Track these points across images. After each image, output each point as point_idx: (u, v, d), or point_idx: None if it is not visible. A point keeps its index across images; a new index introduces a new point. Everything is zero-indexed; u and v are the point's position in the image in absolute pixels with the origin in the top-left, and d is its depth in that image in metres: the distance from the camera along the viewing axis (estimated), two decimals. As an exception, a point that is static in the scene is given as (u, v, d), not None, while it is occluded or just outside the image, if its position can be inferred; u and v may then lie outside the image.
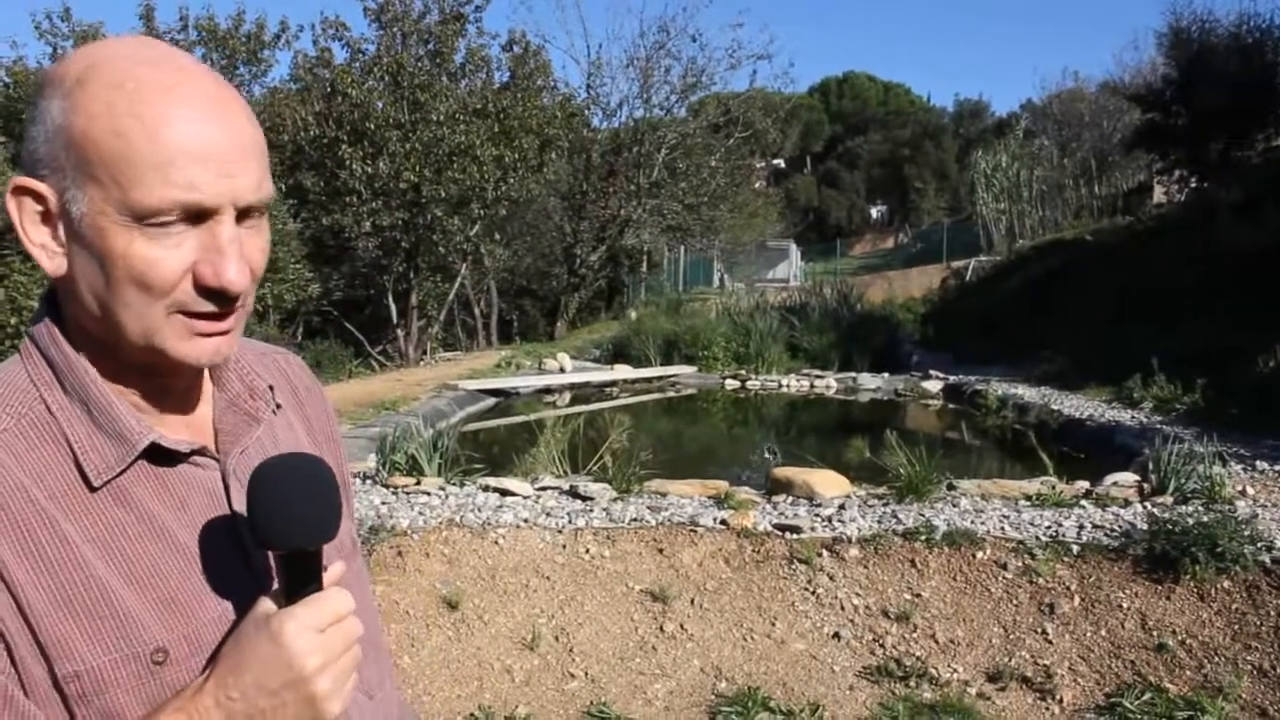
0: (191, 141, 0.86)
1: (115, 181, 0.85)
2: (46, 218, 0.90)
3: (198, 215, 0.87)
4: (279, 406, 1.10)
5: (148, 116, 0.85)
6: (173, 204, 0.85)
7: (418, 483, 6.22)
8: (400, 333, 20.70)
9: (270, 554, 0.92)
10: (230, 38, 27.67)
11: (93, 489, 0.90)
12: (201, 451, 0.98)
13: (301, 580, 0.90)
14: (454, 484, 6.24)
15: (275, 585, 0.92)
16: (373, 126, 18.48)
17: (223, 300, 0.90)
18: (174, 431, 0.96)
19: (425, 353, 20.20)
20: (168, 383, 0.97)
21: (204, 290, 0.89)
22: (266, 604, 0.89)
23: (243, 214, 0.90)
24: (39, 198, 0.89)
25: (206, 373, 1.03)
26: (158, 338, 0.89)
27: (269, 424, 1.06)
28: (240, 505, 0.95)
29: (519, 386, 13.66)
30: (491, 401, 12.68)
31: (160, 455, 0.94)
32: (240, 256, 0.89)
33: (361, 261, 20.66)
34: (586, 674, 4.34)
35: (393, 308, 20.75)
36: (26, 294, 11.80)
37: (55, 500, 0.88)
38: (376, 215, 18.67)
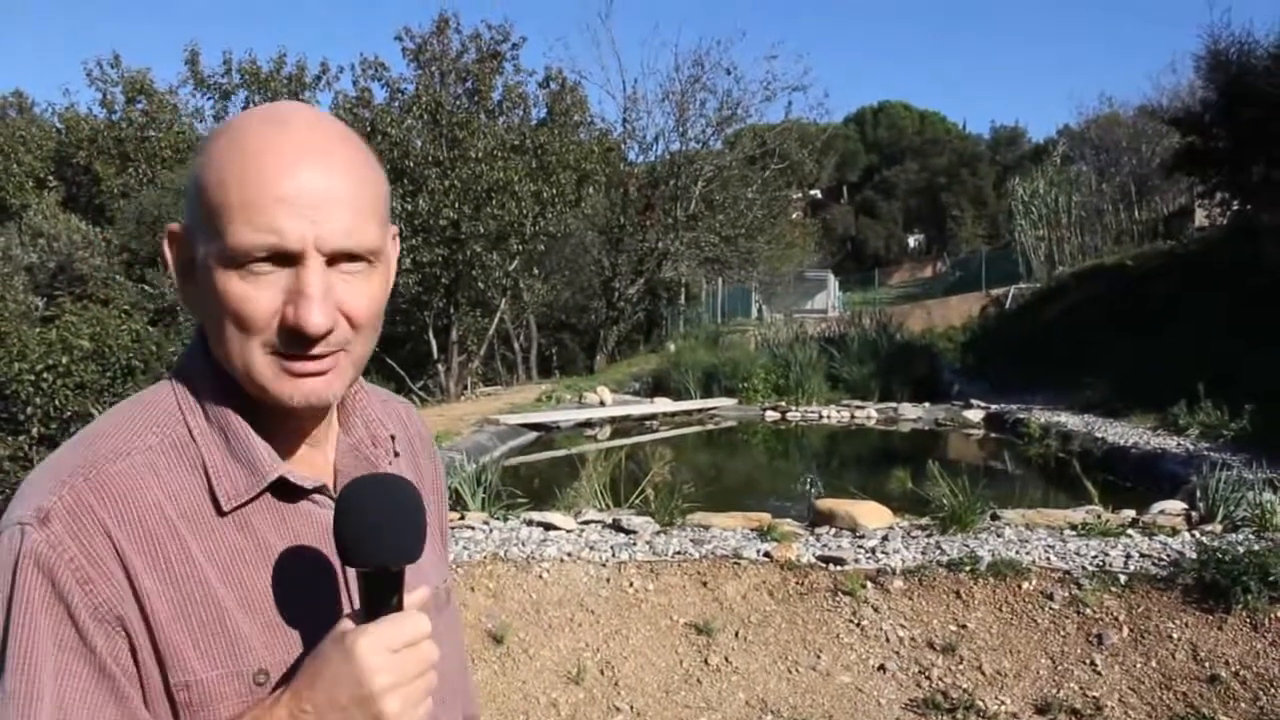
0: (276, 188, 0.91)
1: (216, 227, 0.92)
2: (189, 262, 0.98)
3: (285, 259, 0.92)
4: (397, 455, 1.14)
5: (244, 166, 0.92)
6: (256, 246, 0.91)
7: (462, 517, 6.27)
8: (441, 368, 20.86)
9: (354, 573, 0.95)
10: (272, 80, 28.20)
11: (221, 513, 0.96)
12: (321, 490, 1.02)
13: (381, 600, 0.92)
14: (497, 518, 6.28)
15: (357, 605, 0.95)
16: (412, 164, 18.72)
17: (303, 341, 0.93)
18: (298, 469, 1.01)
19: (466, 387, 20.34)
20: (292, 423, 1.02)
21: (287, 331, 0.93)
22: (346, 622, 0.92)
23: (339, 259, 0.94)
24: (182, 243, 0.98)
25: (335, 418, 1.09)
26: (256, 375, 0.95)
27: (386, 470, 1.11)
28: None
29: (559, 420, 13.71)
30: (533, 435, 12.73)
31: (284, 489, 1.00)
32: (324, 299, 0.93)
33: (402, 298, 20.88)
34: (632, 708, 4.35)
35: (433, 343, 20.93)
36: (76, 333, 12.02)
37: (186, 520, 0.94)
38: (416, 252, 18.87)
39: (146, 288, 18.42)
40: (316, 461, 1.06)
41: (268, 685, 0.94)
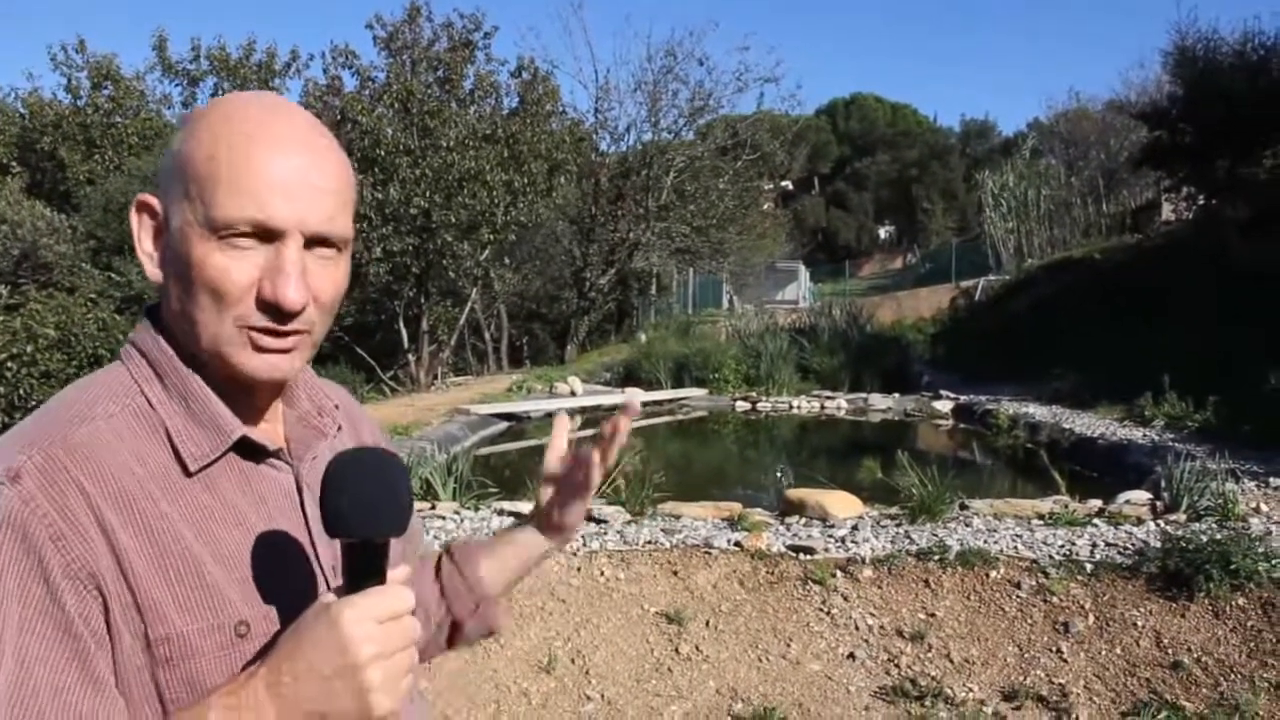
0: (269, 167, 0.95)
1: (201, 198, 0.95)
2: (158, 231, 1.00)
3: (268, 235, 0.96)
4: (340, 428, 1.17)
5: (238, 144, 0.95)
6: (243, 219, 0.94)
7: (433, 507, 6.26)
8: (411, 357, 20.76)
9: (338, 545, 0.95)
10: (241, 67, 27.96)
11: (189, 474, 0.98)
12: (278, 455, 1.05)
13: (366, 573, 0.91)
14: (468, 508, 6.27)
15: (340, 580, 0.95)
16: (383, 153, 18.58)
17: (279, 316, 0.97)
18: (253, 435, 1.04)
19: (436, 377, 20.25)
20: (250, 396, 1.04)
21: (263, 305, 0.96)
22: (328, 594, 0.92)
23: (315, 243, 0.98)
24: (154, 213, 1.00)
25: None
26: (224, 346, 0.98)
27: (331, 442, 1.14)
28: (310, 508, 1.04)
29: (530, 410, 13.69)
30: (503, 425, 12.72)
31: (246, 451, 1.02)
32: (300, 278, 0.97)
33: (372, 287, 20.78)
34: (603, 696, 4.35)
35: (404, 332, 20.84)
36: (42, 322, 11.89)
37: (155, 480, 0.95)
38: (387, 241, 18.75)
39: (113, 275, 18.23)
40: (270, 432, 1.08)
41: (249, 636, 0.96)
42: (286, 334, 0.98)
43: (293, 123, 0.99)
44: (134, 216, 1.02)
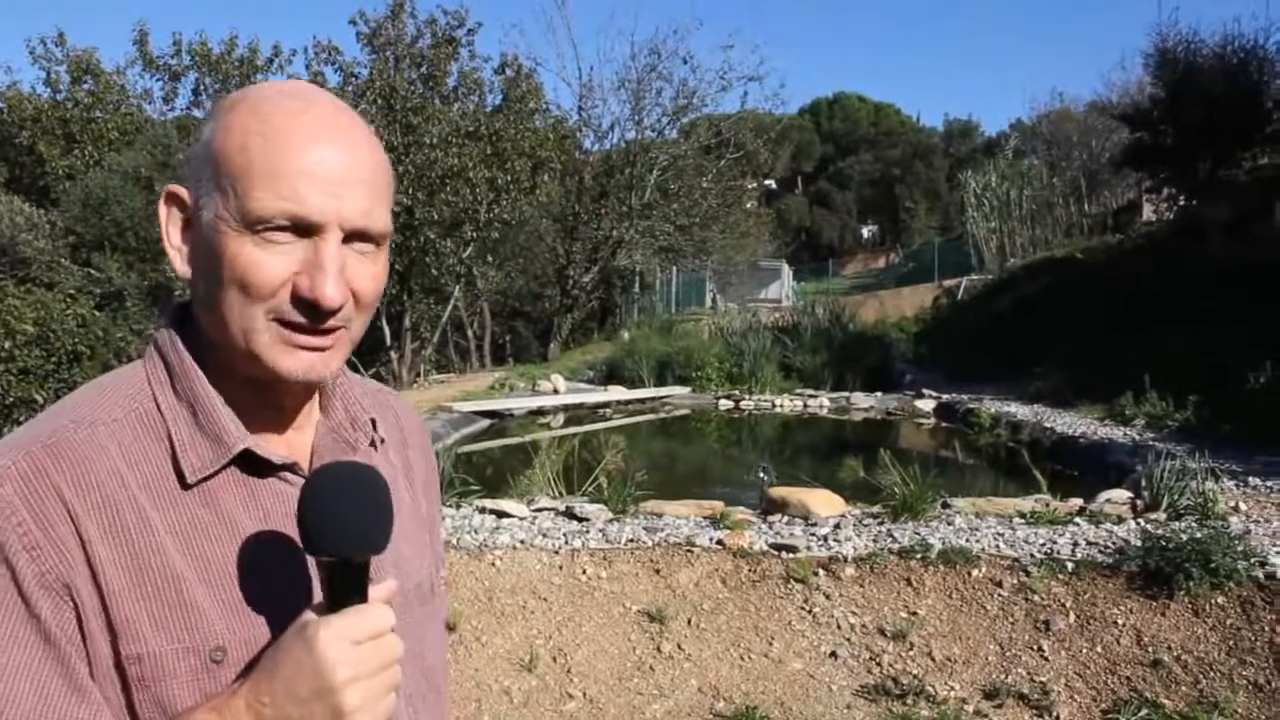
0: (304, 160, 0.92)
1: (234, 191, 0.92)
2: (187, 224, 0.97)
3: (305, 229, 0.93)
4: (382, 441, 1.13)
5: (271, 135, 0.92)
6: (279, 213, 0.91)
7: (414, 505, 6.22)
8: (394, 355, 20.70)
9: (316, 563, 0.92)
10: (223, 62, 27.72)
11: (186, 486, 0.94)
12: (293, 468, 1.01)
13: (345, 592, 0.88)
14: (450, 506, 6.24)
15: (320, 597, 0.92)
16: (366, 150, 18.49)
17: (315, 314, 0.93)
18: (273, 447, 1.00)
19: (419, 375, 20.20)
20: (278, 400, 1.01)
21: (299, 302, 0.93)
22: (308, 613, 0.89)
23: (354, 238, 0.95)
24: (183, 205, 0.97)
25: (316, 401, 1.07)
26: (255, 343, 0.94)
27: (367, 456, 1.08)
28: None
29: (513, 408, 13.66)
30: (486, 423, 12.69)
31: (253, 464, 0.98)
32: (339, 274, 0.93)
33: (354, 284, 20.69)
34: (584, 695, 4.34)
35: (386, 330, 20.76)
36: (20, 318, 11.80)
37: (147, 491, 0.93)
38: (370, 238, 18.66)
39: (92, 272, 18.10)
40: (294, 442, 1.04)
41: (225, 663, 0.92)
42: (323, 332, 0.95)
43: (328, 113, 0.96)
44: (162, 208, 0.99)
